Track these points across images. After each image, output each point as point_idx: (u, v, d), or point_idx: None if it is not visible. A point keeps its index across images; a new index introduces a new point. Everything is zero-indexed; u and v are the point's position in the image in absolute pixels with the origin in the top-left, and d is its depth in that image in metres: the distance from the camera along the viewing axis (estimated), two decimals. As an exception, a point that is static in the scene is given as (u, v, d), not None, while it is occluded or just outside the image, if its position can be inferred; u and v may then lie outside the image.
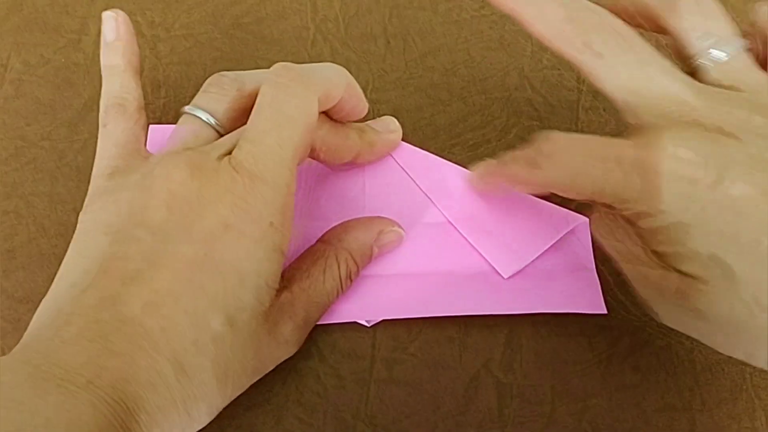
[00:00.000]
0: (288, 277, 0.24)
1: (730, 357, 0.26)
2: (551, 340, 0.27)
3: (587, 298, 0.27)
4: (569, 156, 0.21)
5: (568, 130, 0.31)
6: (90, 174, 0.29)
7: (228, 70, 0.32)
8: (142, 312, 0.20)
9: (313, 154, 0.25)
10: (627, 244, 0.23)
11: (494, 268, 0.27)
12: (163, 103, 0.31)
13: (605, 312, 0.27)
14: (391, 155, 0.29)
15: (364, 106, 0.27)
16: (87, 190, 0.29)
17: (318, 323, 0.26)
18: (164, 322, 0.20)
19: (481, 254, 0.27)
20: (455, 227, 0.28)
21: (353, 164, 0.28)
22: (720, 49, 0.22)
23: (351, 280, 0.26)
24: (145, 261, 0.21)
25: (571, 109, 0.31)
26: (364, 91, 0.31)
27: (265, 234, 0.21)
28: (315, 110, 0.23)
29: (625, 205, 0.20)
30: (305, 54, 0.32)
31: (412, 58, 0.32)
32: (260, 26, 0.33)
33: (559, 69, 0.32)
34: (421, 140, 0.30)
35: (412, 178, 0.28)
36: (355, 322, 0.27)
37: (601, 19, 0.22)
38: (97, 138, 0.30)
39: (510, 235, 0.27)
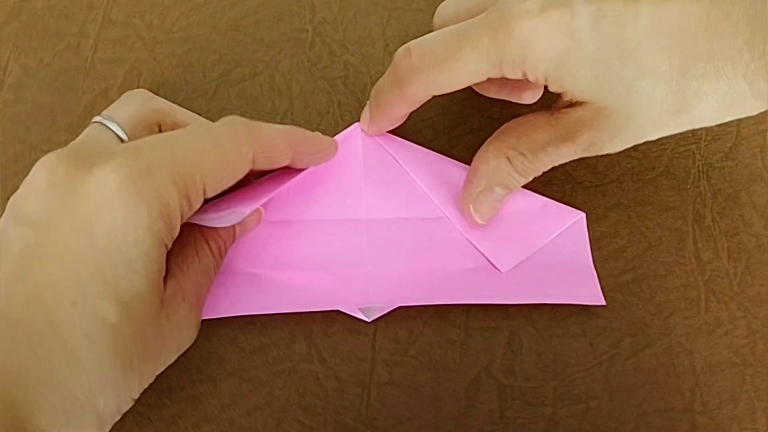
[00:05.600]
0: (167, 267, 0.24)
1: (731, 357, 0.27)
2: (552, 342, 0.27)
3: (586, 291, 0.27)
4: (431, 60, 0.23)
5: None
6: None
7: (227, 72, 0.32)
8: (25, 309, 0.19)
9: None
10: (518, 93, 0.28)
11: (492, 263, 0.27)
12: (162, 106, 0.31)
13: (604, 303, 0.27)
14: (390, 152, 0.29)
15: (323, 154, 0.27)
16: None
17: (322, 311, 0.26)
18: (50, 316, 0.19)
19: (478, 250, 0.27)
20: (453, 223, 0.28)
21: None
22: None
23: (222, 256, 0.26)
24: (27, 256, 0.20)
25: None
26: (363, 94, 0.31)
27: (153, 220, 0.21)
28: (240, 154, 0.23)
29: (505, 75, 0.23)
30: (304, 56, 0.32)
31: (411, 59, 0.32)
32: (259, 28, 0.33)
33: (558, 70, 0.32)
34: (421, 143, 0.30)
35: (410, 174, 0.28)
36: (356, 322, 0.27)
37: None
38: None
39: (507, 231, 0.27)
